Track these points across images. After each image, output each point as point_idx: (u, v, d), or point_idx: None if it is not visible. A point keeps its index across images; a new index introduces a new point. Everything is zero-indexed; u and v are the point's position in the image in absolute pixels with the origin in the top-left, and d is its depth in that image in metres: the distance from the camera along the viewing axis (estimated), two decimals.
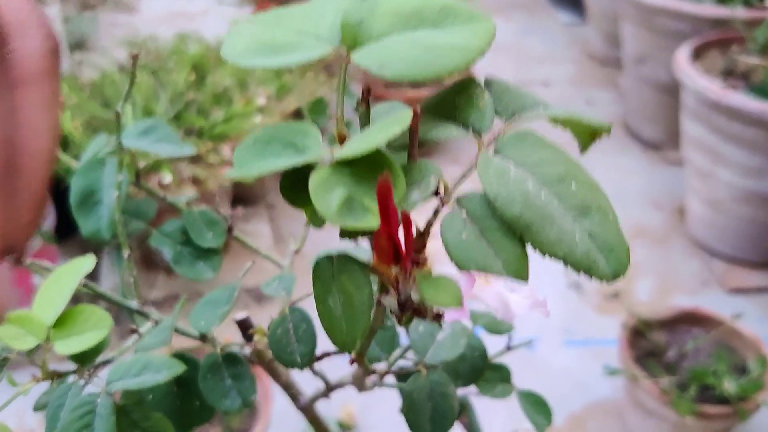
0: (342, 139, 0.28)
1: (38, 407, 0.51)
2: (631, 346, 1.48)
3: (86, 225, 0.57)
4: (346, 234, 0.27)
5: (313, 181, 0.24)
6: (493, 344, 0.57)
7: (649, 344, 1.50)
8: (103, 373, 0.54)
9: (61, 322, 0.46)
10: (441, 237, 0.24)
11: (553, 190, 0.25)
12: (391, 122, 0.24)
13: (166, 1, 3.52)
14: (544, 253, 0.24)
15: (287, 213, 2.22)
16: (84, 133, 1.65)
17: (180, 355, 0.51)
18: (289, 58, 0.28)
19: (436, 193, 0.26)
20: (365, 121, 0.29)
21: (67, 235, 1.73)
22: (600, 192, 0.25)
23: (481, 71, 2.90)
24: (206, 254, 0.62)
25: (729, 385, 1.33)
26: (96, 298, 0.56)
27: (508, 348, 0.60)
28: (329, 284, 0.27)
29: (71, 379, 0.50)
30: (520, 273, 0.24)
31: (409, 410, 0.46)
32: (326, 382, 0.56)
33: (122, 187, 0.58)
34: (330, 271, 0.27)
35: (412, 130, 0.27)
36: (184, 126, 1.75)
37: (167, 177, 1.60)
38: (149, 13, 3.20)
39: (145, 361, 0.49)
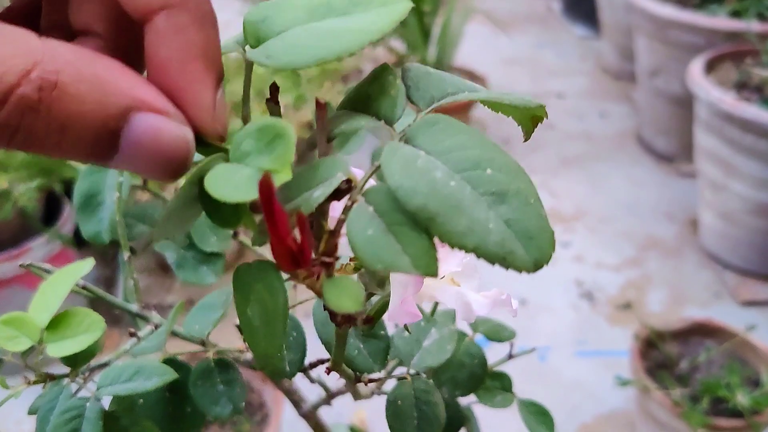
0: (245, 121, 0.28)
1: (32, 411, 0.51)
2: (642, 357, 1.47)
3: (87, 227, 0.56)
4: (258, 241, 0.26)
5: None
6: (496, 352, 0.56)
7: (661, 356, 1.49)
8: (98, 377, 0.54)
9: (55, 324, 0.46)
10: (347, 234, 0.23)
11: (466, 176, 0.23)
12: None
13: None
14: (453, 245, 0.22)
15: None
16: None
17: (172, 361, 0.51)
18: None
19: (348, 190, 0.24)
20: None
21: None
22: (521, 175, 0.23)
23: (495, 83, 2.90)
24: (209, 258, 0.61)
25: (742, 398, 1.31)
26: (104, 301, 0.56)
27: (510, 356, 0.59)
28: (248, 294, 0.25)
29: (64, 382, 0.50)
30: (430, 268, 0.22)
31: (394, 418, 0.44)
32: (326, 390, 0.55)
33: (123, 188, 0.58)
34: (248, 280, 0.25)
35: (320, 124, 0.26)
36: None
37: (181, 181, 1.61)
38: None
39: (137, 367, 0.49)
